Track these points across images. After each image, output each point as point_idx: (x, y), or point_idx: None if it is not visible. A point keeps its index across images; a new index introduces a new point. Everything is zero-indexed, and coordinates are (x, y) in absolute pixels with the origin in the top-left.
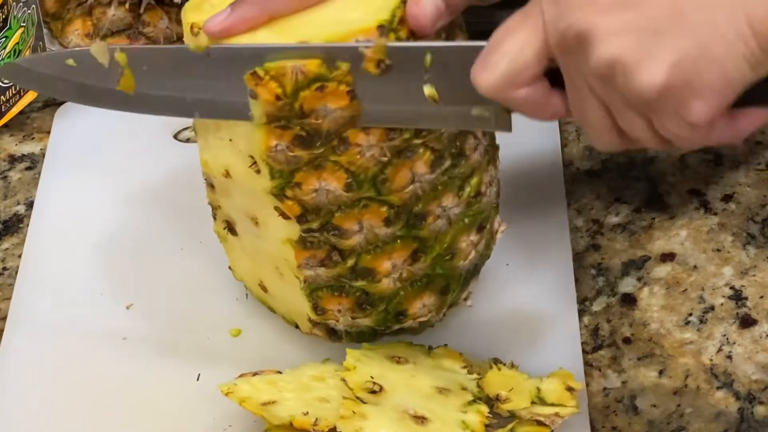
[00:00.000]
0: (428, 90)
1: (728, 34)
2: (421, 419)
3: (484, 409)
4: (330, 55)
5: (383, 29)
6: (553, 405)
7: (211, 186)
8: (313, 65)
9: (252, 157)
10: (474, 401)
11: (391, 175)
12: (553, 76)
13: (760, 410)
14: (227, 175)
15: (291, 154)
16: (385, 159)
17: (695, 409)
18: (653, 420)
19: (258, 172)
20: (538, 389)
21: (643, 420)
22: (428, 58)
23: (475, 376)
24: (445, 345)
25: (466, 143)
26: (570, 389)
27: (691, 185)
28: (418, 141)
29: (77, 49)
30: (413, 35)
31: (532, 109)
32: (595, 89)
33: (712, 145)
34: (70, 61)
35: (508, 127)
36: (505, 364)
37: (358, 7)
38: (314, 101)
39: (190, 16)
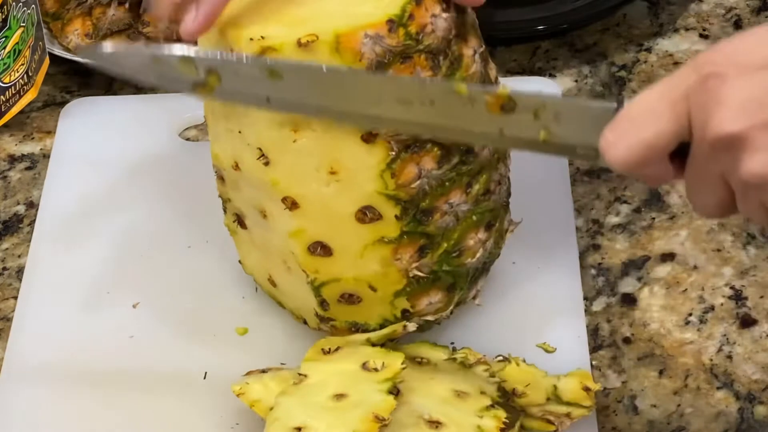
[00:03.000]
0: (542, 134)
1: None
2: (435, 424)
3: (501, 414)
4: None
5: (392, 24)
6: (568, 404)
7: (221, 179)
8: None
9: (260, 149)
10: (492, 406)
11: (397, 171)
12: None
13: (760, 410)
14: (236, 167)
15: None
16: (392, 153)
17: (695, 409)
18: (653, 420)
19: (266, 164)
20: (555, 387)
21: (643, 420)
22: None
23: (497, 379)
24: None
25: None
26: (587, 389)
27: None
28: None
29: (167, 54)
30: (423, 30)
31: (650, 180)
32: (729, 183)
33: None
34: (156, 61)
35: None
36: (524, 360)
37: (369, 1)
38: None
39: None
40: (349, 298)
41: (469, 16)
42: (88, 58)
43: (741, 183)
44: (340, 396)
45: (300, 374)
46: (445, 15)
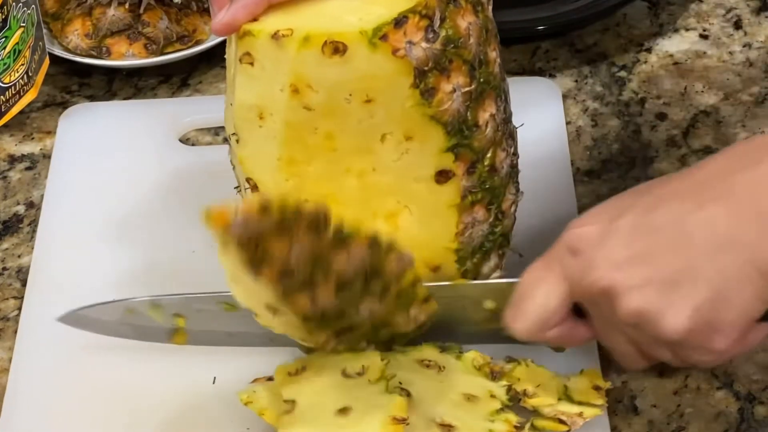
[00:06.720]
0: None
1: (738, 279)
2: (448, 428)
3: (513, 418)
4: None
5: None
6: (579, 403)
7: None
8: None
9: (234, 126)
10: (502, 410)
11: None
12: (577, 306)
13: (760, 410)
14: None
15: None
16: None
17: (695, 409)
18: (653, 420)
19: (237, 141)
20: (566, 387)
21: (643, 420)
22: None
23: (504, 382)
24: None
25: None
26: (597, 388)
27: None
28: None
29: (137, 300)
30: (394, 54)
31: (561, 343)
32: (622, 330)
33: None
34: (129, 312)
35: None
36: (533, 361)
37: (358, 12)
38: None
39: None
40: None
41: (491, 23)
42: (71, 324)
43: (628, 326)
44: (344, 410)
45: (286, 401)
46: (424, 45)
